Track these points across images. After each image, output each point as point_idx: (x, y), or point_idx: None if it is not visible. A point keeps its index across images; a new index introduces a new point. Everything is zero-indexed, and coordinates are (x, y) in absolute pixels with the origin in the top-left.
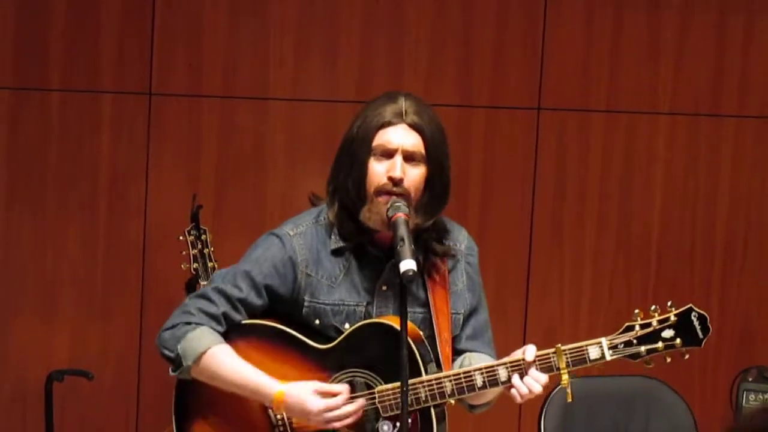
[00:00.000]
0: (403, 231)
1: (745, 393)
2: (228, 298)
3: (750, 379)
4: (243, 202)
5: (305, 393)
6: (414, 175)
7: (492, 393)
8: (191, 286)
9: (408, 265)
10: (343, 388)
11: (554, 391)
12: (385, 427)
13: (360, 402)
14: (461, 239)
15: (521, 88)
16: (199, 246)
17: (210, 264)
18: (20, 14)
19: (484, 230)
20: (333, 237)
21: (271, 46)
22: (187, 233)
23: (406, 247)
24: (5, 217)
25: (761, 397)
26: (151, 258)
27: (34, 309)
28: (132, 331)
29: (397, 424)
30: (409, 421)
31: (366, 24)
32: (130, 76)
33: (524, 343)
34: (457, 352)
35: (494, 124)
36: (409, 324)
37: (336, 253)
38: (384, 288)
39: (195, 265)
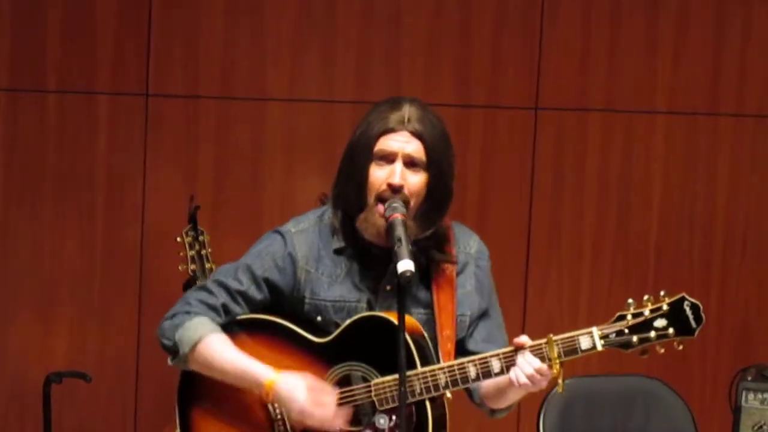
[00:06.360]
0: (400, 231)
1: (744, 392)
2: (228, 290)
3: (749, 378)
4: (240, 203)
5: (297, 390)
6: (414, 182)
7: (511, 396)
8: (189, 287)
9: (405, 265)
10: (332, 394)
11: (553, 390)
12: (381, 420)
13: (344, 412)
14: (471, 243)
15: (519, 87)
16: (197, 247)
17: (207, 265)
18: (16, 15)
19: (482, 230)
20: (336, 237)
21: (268, 47)
22: (184, 234)
23: (404, 248)
24: (2, 219)
25: (760, 396)
26: (148, 259)
27: (32, 311)
28: (130, 333)
29: (393, 417)
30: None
31: (363, 23)
32: (127, 77)
33: None
34: (473, 355)
35: (492, 123)
36: (409, 318)
37: (338, 252)
38: (388, 288)
39: (192, 267)
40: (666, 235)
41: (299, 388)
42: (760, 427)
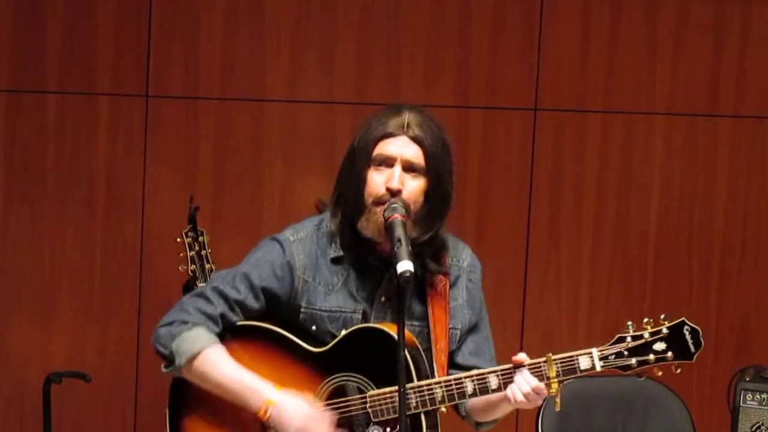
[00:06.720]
0: (400, 232)
1: (742, 393)
2: (226, 299)
3: (747, 379)
4: (240, 204)
5: (295, 417)
6: (413, 187)
7: (500, 410)
8: (188, 287)
9: (405, 266)
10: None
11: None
12: None
13: None
14: (464, 256)
15: (518, 88)
16: (197, 248)
17: (207, 266)
18: (17, 16)
19: (481, 232)
20: (333, 246)
21: (268, 48)
22: (184, 235)
23: (404, 249)
24: (2, 219)
25: (759, 396)
26: (148, 260)
27: (32, 311)
28: (129, 333)
29: (388, 429)
30: (398, 428)
31: (363, 25)
32: (127, 77)
33: (522, 346)
34: (460, 368)
35: (491, 124)
36: (406, 332)
37: (335, 261)
38: (383, 299)
39: (192, 267)
40: (665, 236)
41: (297, 415)
42: (758, 427)
